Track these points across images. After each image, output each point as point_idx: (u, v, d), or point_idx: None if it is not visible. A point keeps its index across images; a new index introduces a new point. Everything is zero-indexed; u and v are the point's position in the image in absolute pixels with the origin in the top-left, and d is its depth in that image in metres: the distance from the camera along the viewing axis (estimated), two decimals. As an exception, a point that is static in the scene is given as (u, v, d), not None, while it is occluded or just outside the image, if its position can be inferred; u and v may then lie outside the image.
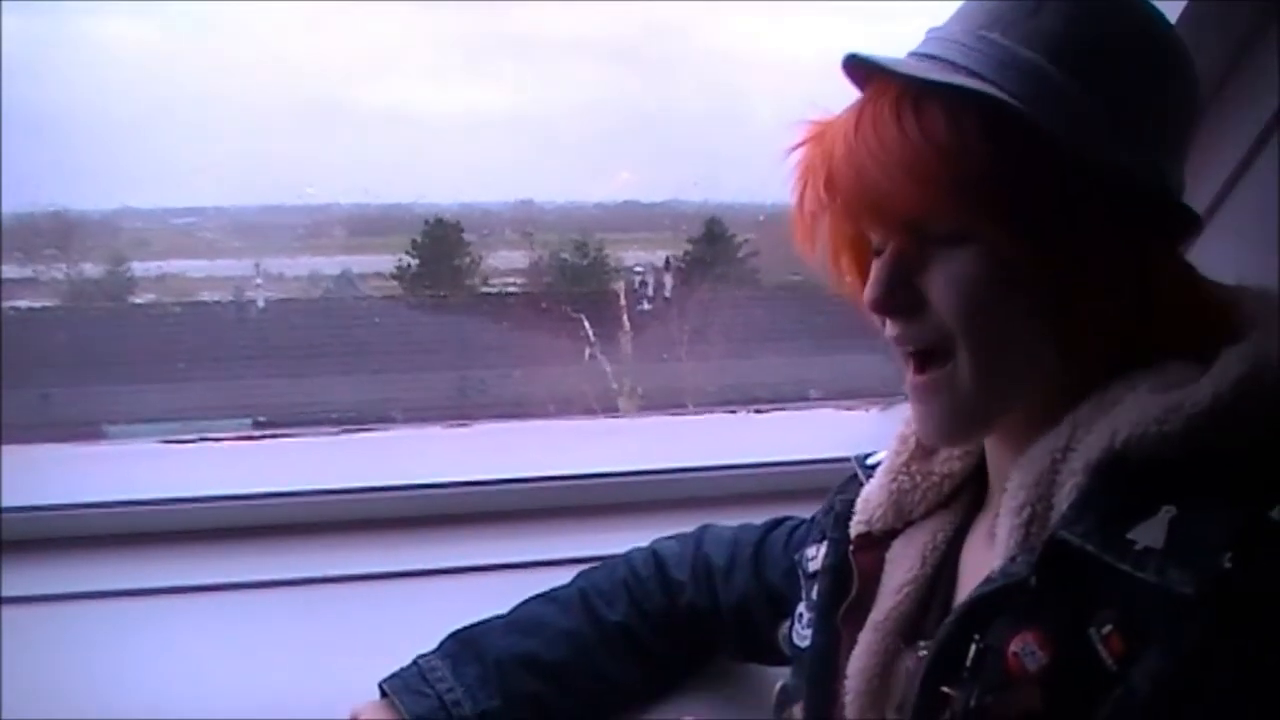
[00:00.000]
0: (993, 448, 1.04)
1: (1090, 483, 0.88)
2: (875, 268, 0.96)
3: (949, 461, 1.10)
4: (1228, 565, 0.78)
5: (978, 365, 0.93)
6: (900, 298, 0.94)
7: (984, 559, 0.99)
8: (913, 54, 0.95)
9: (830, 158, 0.93)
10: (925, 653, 1.00)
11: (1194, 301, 0.93)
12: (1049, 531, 0.88)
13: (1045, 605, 0.86)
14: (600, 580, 1.42)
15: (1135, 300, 0.90)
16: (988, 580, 0.92)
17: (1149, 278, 0.90)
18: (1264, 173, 1.44)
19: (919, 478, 1.10)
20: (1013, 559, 0.91)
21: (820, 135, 0.96)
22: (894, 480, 1.11)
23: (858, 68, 0.96)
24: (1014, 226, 0.88)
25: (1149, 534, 0.83)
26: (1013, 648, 0.86)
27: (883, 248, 0.96)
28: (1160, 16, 0.95)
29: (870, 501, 1.12)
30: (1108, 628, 0.82)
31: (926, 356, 0.96)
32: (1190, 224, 0.95)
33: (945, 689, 0.92)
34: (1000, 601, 0.89)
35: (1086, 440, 0.89)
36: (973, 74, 0.89)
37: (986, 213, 0.88)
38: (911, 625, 1.05)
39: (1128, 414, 0.87)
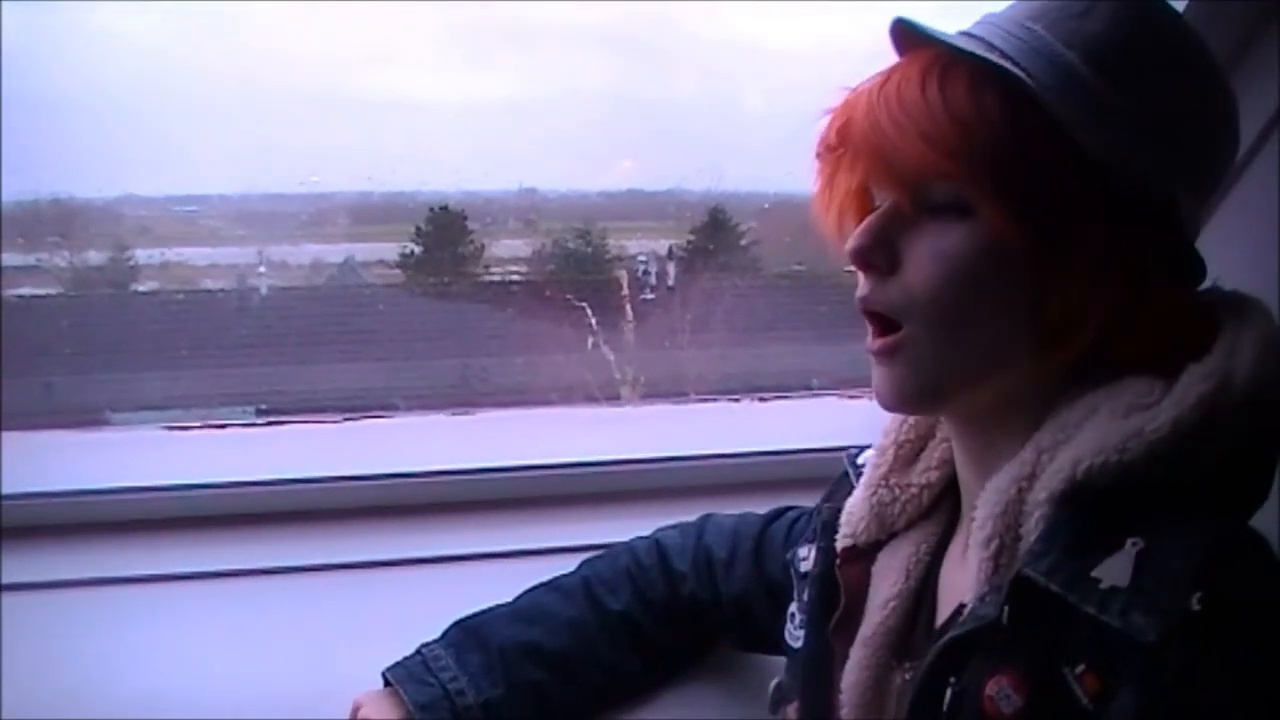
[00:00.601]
0: (961, 463, 1.04)
1: (1055, 514, 0.88)
2: (866, 219, 0.96)
3: (927, 472, 1.10)
4: (1196, 607, 0.78)
5: (934, 337, 0.93)
6: (879, 254, 0.94)
7: (960, 577, 0.99)
8: (960, 32, 0.95)
9: (852, 109, 0.94)
10: (910, 675, 1.01)
11: (1176, 326, 0.92)
12: (1016, 567, 0.87)
13: (1018, 645, 0.86)
14: (603, 569, 1.43)
15: (1113, 313, 0.89)
16: (960, 620, 0.92)
17: (1134, 296, 0.89)
18: (1264, 171, 1.43)
19: (898, 490, 1.10)
20: (982, 598, 0.90)
21: (849, 97, 0.97)
22: (874, 494, 1.11)
23: (901, 36, 0.97)
24: (1013, 208, 0.87)
25: (1115, 570, 0.82)
26: (988, 690, 0.86)
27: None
28: (1214, 60, 0.95)
29: (854, 515, 1.12)
30: (1081, 666, 0.82)
31: (886, 322, 0.95)
32: (1196, 270, 0.94)
33: None
34: (974, 641, 0.89)
35: (1049, 469, 0.89)
36: (1004, 56, 0.89)
37: (989, 187, 0.88)
38: (900, 640, 1.05)
39: (1089, 442, 0.87)
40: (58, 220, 2.00)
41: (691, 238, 2.30)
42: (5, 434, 1.59)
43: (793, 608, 1.22)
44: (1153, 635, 0.78)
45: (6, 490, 1.53)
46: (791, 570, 1.23)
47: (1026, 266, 0.89)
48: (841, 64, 1.00)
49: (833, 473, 1.22)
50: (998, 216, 0.88)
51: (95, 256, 2.09)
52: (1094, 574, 0.83)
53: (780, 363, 2.34)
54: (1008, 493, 0.91)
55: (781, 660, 1.24)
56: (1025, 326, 0.91)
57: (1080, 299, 0.88)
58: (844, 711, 1.06)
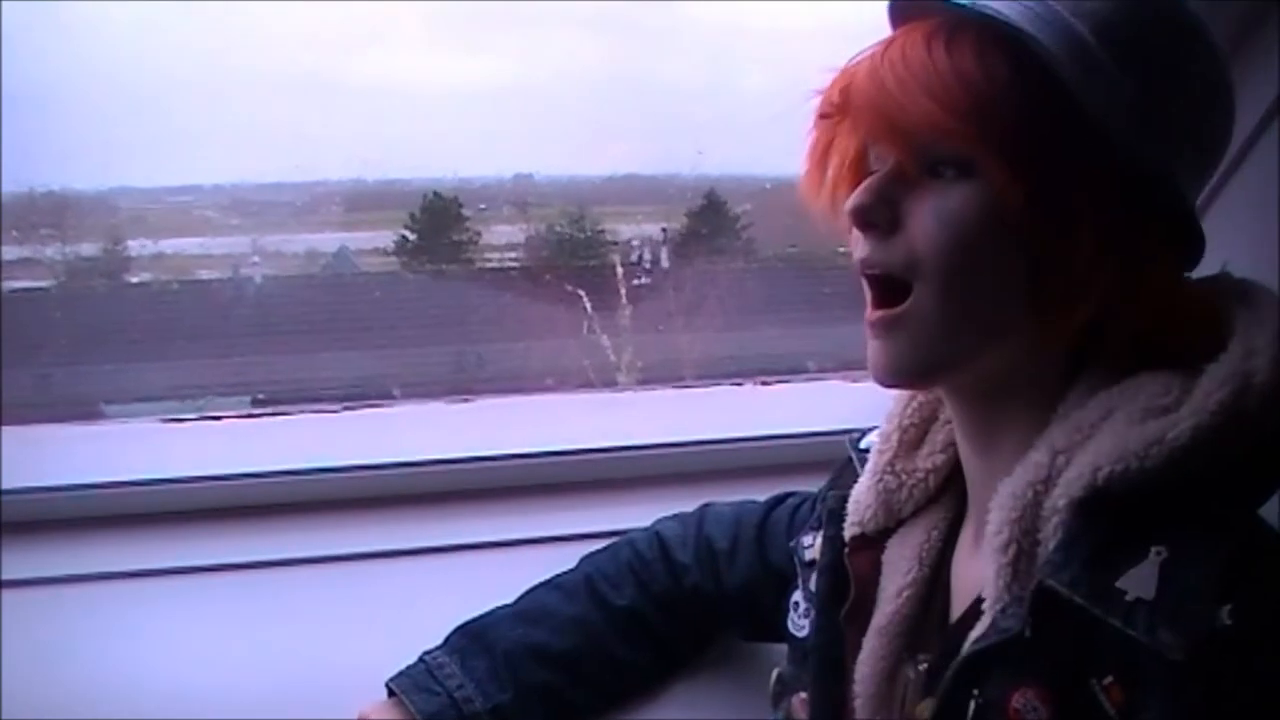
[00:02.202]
0: (965, 446, 1.04)
1: (1075, 522, 0.87)
2: (868, 179, 0.95)
3: (932, 456, 1.10)
4: (1227, 621, 0.78)
5: (939, 300, 0.92)
6: (881, 213, 0.93)
7: (973, 567, 0.99)
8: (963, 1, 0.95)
9: (854, 76, 0.93)
10: (924, 666, 1.01)
11: (1178, 308, 0.92)
12: (1036, 578, 0.87)
13: (1042, 657, 0.86)
14: (605, 565, 1.41)
15: (1115, 290, 0.89)
16: (981, 631, 0.91)
17: (1134, 272, 0.89)
18: (1263, 161, 1.43)
19: (904, 476, 1.10)
20: (1004, 609, 0.90)
21: (849, 65, 0.96)
22: (880, 480, 1.10)
23: (898, 12, 0.97)
24: (1016, 167, 0.87)
25: (1140, 581, 0.82)
26: (1014, 703, 0.86)
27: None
28: (1215, 42, 0.94)
29: (860, 503, 1.11)
30: (1108, 678, 0.82)
31: (886, 290, 0.94)
32: (1192, 244, 0.93)
33: None
34: (996, 654, 0.89)
35: (1067, 475, 0.88)
36: (1011, 23, 0.89)
37: (994, 147, 0.87)
38: (914, 629, 1.05)
39: (1108, 447, 0.86)
40: (51, 212, 1.99)
41: (686, 221, 2.29)
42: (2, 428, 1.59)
43: (796, 596, 1.21)
44: (1180, 653, 0.78)
45: (4, 485, 1.52)
46: (795, 558, 1.22)
47: (1028, 232, 0.88)
48: (838, 45, 0.99)
49: (837, 456, 1.22)
50: (1002, 176, 0.87)
51: (89, 248, 2.09)
52: (1118, 585, 0.82)
53: (775, 345, 2.34)
54: (1024, 497, 0.90)
55: (780, 650, 1.24)
56: (1026, 294, 0.90)
57: (1082, 267, 0.88)
58: (857, 701, 1.06)
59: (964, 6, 0.90)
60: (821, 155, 1.01)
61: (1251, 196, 1.43)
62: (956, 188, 0.90)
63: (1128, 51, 0.88)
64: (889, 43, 0.93)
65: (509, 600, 1.39)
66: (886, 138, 0.94)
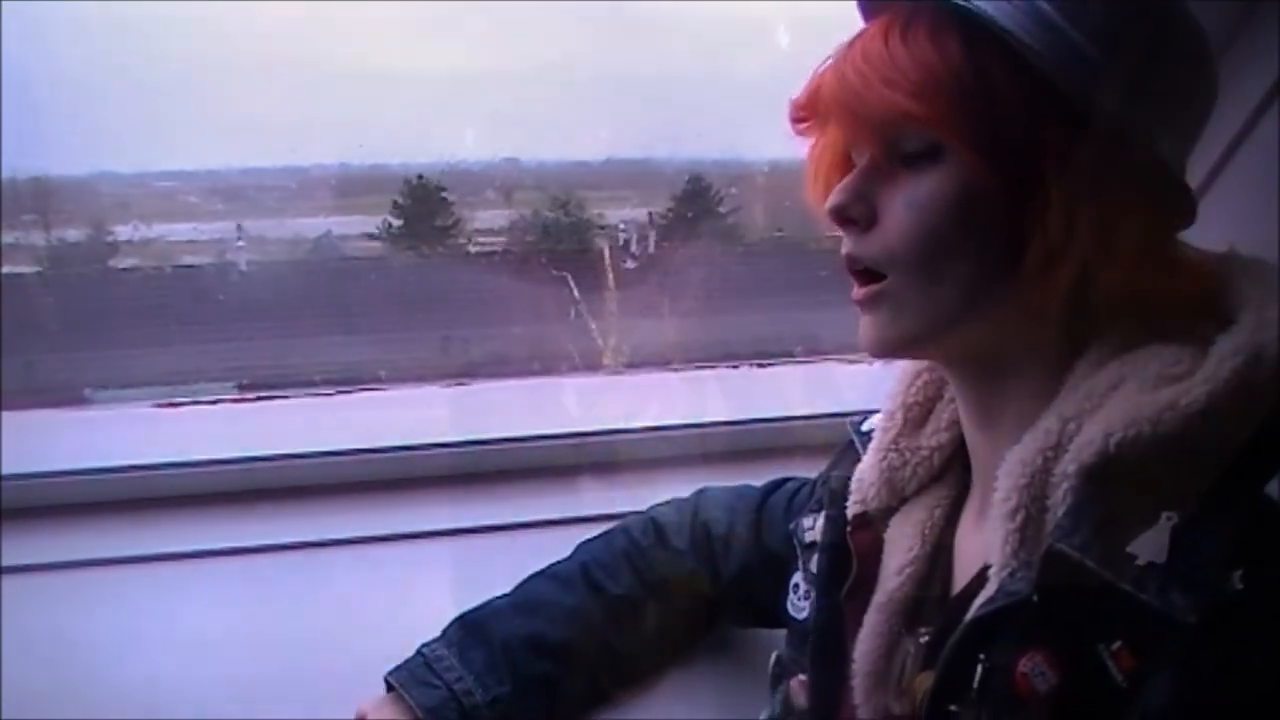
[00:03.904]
0: (968, 422, 1.05)
1: (1085, 488, 0.87)
2: (845, 178, 0.97)
3: (936, 434, 1.11)
4: (1239, 585, 0.78)
5: (914, 279, 0.93)
6: (857, 208, 0.96)
7: (976, 542, 1.01)
8: None
9: (822, 79, 0.97)
10: (925, 639, 1.02)
11: (1167, 266, 0.92)
12: (1045, 543, 0.87)
13: (1051, 621, 0.86)
14: (600, 553, 1.42)
15: (1093, 249, 0.89)
16: (988, 596, 0.92)
17: (1111, 229, 0.89)
18: (1263, 142, 1.44)
19: (908, 453, 1.11)
20: (1011, 573, 0.90)
21: (820, 67, 0.98)
22: (884, 458, 1.11)
23: (867, 8, 0.99)
24: (981, 145, 0.89)
25: (1150, 546, 0.82)
26: (1021, 668, 0.86)
27: None
28: (1182, 6, 0.94)
29: (864, 481, 1.12)
30: (1117, 643, 0.82)
31: (870, 275, 0.96)
32: (1183, 205, 0.94)
33: (953, 708, 0.92)
34: (1004, 618, 0.89)
35: (1078, 441, 0.88)
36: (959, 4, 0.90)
37: (955, 126, 0.89)
38: (914, 605, 1.06)
39: (1119, 413, 0.86)
40: (34, 198, 1.98)
41: (672, 205, 2.29)
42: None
43: (796, 578, 1.22)
44: (1193, 616, 0.78)
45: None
46: (795, 541, 1.22)
47: (1002, 204, 0.89)
48: (825, 32, 1.00)
49: (834, 439, 1.23)
50: (967, 154, 0.89)
51: (74, 234, 2.07)
52: (1129, 549, 0.83)
53: (766, 328, 2.34)
54: (1033, 464, 0.90)
55: (781, 634, 1.25)
56: (1007, 265, 0.91)
57: (1058, 231, 0.88)
58: (855, 680, 1.06)
59: None
60: (812, 155, 1.04)
61: (1249, 183, 1.44)
62: (926, 175, 0.92)
63: (1085, 11, 0.88)
64: (851, 43, 0.95)
65: (504, 583, 1.40)
66: (854, 132, 0.97)
